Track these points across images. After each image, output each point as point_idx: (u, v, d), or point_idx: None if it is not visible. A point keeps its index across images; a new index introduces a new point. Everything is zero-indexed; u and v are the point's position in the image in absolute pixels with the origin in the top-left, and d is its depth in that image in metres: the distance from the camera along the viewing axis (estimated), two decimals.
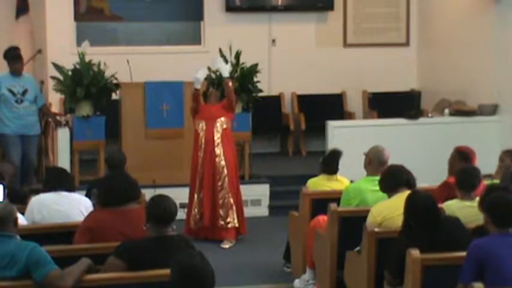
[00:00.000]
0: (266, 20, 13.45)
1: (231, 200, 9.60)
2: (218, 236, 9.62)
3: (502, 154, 7.77)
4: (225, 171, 9.59)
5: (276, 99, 13.43)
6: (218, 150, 9.58)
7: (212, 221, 9.59)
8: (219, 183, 9.59)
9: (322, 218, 7.35)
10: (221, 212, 9.58)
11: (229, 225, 9.61)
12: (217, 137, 9.58)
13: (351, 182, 7.70)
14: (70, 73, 10.74)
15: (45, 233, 6.07)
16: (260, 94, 11.27)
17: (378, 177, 6.80)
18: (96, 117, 10.75)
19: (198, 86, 9.71)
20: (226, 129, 9.66)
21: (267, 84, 12.56)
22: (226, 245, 9.53)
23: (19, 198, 6.86)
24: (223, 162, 9.58)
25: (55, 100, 12.19)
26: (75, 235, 5.81)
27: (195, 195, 9.64)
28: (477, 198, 6.35)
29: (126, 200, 5.81)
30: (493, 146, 10.48)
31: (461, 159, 7.42)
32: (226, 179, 9.59)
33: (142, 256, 5.08)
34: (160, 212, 5.20)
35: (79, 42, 11.79)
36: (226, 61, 10.45)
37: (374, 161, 7.16)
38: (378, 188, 6.71)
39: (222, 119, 9.63)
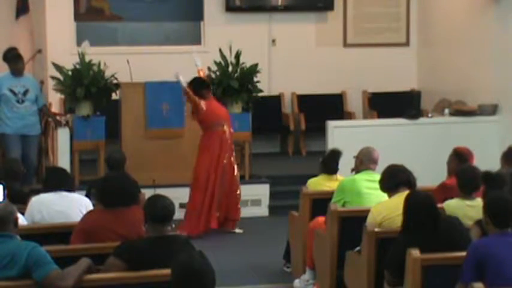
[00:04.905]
0: (266, 20, 13.44)
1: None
2: (228, 228, 10.06)
3: (503, 155, 7.78)
4: (234, 169, 10.04)
5: (276, 99, 13.43)
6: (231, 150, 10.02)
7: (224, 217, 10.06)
8: (231, 182, 9.98)
9: (321, 219, 7.36)
10: (230, 208, 10.04)
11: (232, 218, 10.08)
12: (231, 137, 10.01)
13: None
14: (70, 73, 10.75)
15: (45, 233, 6.06)
16: (260, 94, 11.29)
17: (371, 172, 7.08)
18: (96, 117, 10.76)
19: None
20: None
21: (267, 84, 12.56)
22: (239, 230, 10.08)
23: (19, 198, 6.85)
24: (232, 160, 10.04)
25: (55, 100, 12.19)
26: (71, 237, 5.80)
27: (214, 196, 9.82)
28: (478, 199, 6.35)
29: (123, 202, 5.75)
30: (493, 146, 10.47)
31: (459, 160, 7.44)
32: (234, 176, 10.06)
33: (142, 256, 5.07)
34: (157, 211, 5.20)
35: (79, 42, 11.81)
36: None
37: (365, 161, 7.31)
38: (371, 179, 6.94)
39: None
